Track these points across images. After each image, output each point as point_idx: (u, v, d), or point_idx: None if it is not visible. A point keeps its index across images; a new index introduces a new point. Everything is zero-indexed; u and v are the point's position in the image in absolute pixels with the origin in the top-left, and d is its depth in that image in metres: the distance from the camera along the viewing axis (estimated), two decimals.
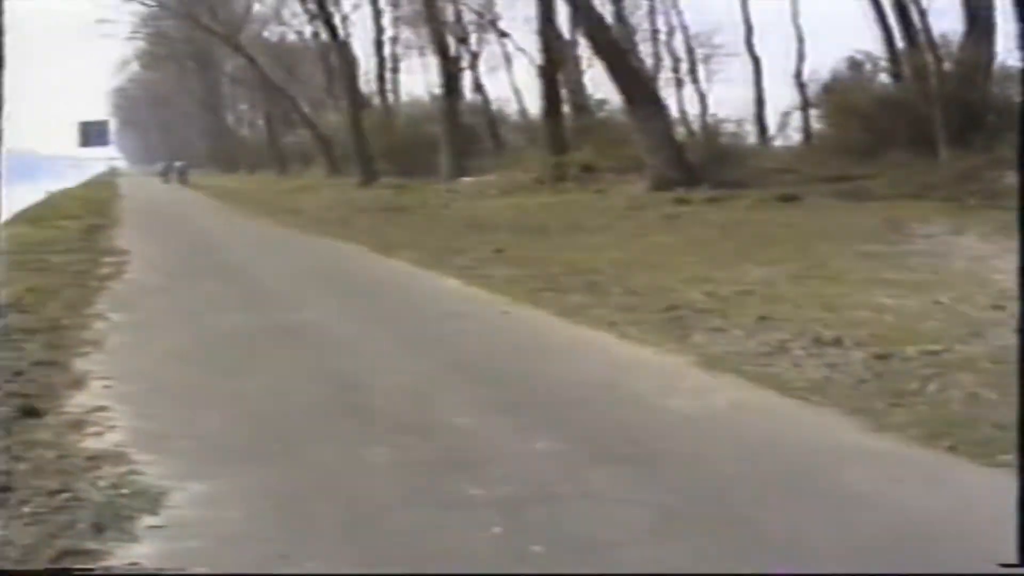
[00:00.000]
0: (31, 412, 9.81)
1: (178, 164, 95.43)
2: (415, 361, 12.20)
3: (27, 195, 77.59)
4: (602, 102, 48.93)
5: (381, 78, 64.02)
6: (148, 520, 6.99)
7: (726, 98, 65.12)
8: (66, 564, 6.32)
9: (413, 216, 34.32)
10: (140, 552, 6.46)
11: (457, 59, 53.59)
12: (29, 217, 45.34)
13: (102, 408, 9.95)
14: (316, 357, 12.52)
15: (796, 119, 48.18)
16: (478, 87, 57.62)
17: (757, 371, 11.02)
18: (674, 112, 46.85)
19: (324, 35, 65.75)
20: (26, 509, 7.18)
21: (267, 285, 19.58)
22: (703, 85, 53.33)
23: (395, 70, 65.52)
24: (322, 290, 18.61)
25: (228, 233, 33.98)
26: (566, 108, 47.27)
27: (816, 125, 46.32)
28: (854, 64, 43.58)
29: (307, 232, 31.05)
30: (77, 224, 36.29)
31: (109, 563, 6.32)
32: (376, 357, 12.55)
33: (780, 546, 6.36)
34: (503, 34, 55.96)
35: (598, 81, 48.26)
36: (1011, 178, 24.40)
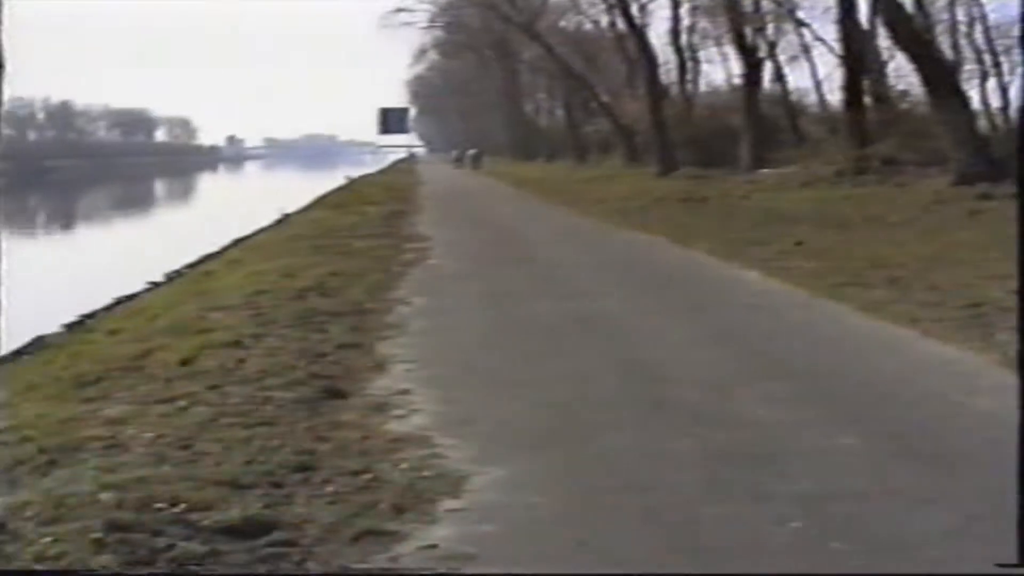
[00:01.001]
0: (336, 393, 10.11)
1: (471, 152, 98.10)
2: (714, 352, 12.12)
3: (327, 181, 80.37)
4: (904, 93, 47.55)
5: (681, 67, 63.71)
6: (448, 503, 7.14)
7: None
8: (367, 543, 6.40)
9: (712, 207, 34.05)
10: (438, 535, 6.61)
11: (754, 49, 52.88)
12: (331, 202, 46.85)
13: (405, 391, 10.17)
14: (615, 346, 12.54)
15: None
16: (778, 77, 56.81)
17: None
18: (976, 105, 45.08)
19: (621, 24, 65.73)
20: (328, 488, 7.40)
21: (566, 273, 19.68)
22: (1006, 78, 51.31)
23: (693, 60, 65.14)
24: (620, 279, 18.61)
25: (526, 221, 34.34)
26: (867, 99, 46.10)
27: None
28: None
29: (605, 221, 31.13)
30: (378, 210, 37.23)
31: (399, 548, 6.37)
32: (675, 347, 12.50)
33: None
34: (802, 23, 55.04)
35: (901, 71, 46.96)
36: None
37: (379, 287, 17.52)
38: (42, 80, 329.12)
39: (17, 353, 19.57)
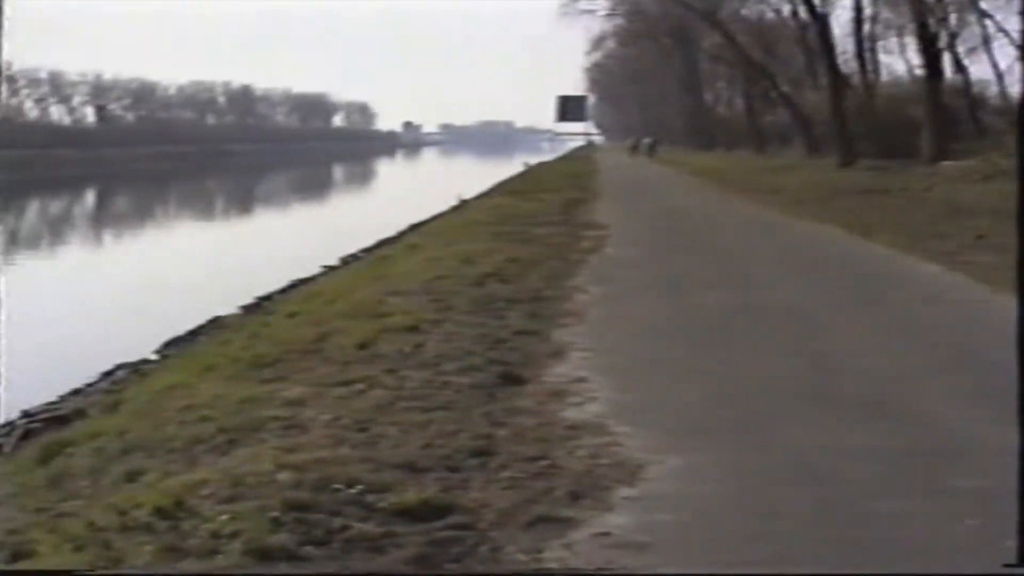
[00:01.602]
0: (513, 379, 10.18)
1: (646, 140, 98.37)
2: (890, 345, 11.94)
3: (504, 167, 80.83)
4: None
5: (860, 57, 62.68)
6: (623, 491, 7.13)
7: None
8: (542, 529, 6.41)
9: (892, 199, 33.44)
10: (613, 523, 6.63)
11: (935, 38, 51.82)
12: (509, 189, 47.06)
13: (582, 379, 10.19)
14: (789, 337, 12.42)
15: None
16: (958, 68, 55.61)
17: None
18: None
19: (803, 13, 64.93)
20: (505, 474, 7.45)
21: (742, 264, 19.55)
22: None
23: (873, 50, 64.07)
24: (797, 270, 18.43)
25: (703, 210, 34.15)
26: None
27: None
28: None
29: (783, 212, 30.80)
30: (556, 197, 37.28)
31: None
32: (852, 339, 12.37)
33: None
34: (985, 14, 53.77)
35: None
36: None
37: (557, 274, 17.56)
38: (223, 65, 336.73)
39: (194, 333, 20.06)
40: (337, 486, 6.94)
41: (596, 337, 12.46)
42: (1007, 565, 5.50)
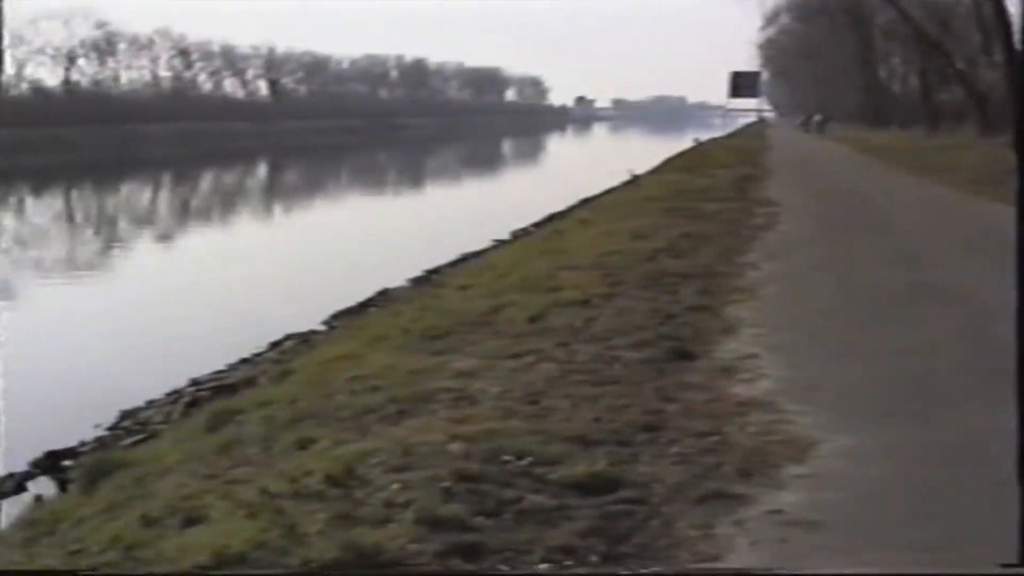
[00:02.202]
0: (684, 355, 10.16)
1: (817, 117, 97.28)
2: None
3: (675, 143, 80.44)
4: None
5: None
6: (794, 469, 7.09)
7: None
8: (712, 505, 6.37)
9: None
10: (784, 500, 6.60)
11: None
12: (681, 165, 46.83)
13: (752, 355, 10.14)
14: (963, 319, 12.14)
15: None
16: None
17: None
18: None
19: None
20: (674, 449, 7.45)
21: (914, 242, 19.21)
22: None
23: None
24: (971, 250, 18.00)
25: (874, 188, 33.54)
26: None
27: None
28: None
29: (957, 192, 30.12)
30: (728, 173, 37.01)
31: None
32: None
33: None
34: None
35: None
36: None
37: (729, 250, 17.47)
38: (396, 38, 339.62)
39: (363, 305, 20.32)
40: (507, 458, 7.01)
41: (768, 313, 12.39)
42: (1007, 565, 5.37)
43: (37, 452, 12.11)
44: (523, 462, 6.95)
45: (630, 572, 5.71)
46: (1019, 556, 5.38)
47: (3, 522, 9.55)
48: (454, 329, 11.66)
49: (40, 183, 67.12)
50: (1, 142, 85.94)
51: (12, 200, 58.39)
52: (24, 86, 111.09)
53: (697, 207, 24.55)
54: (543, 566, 5.70)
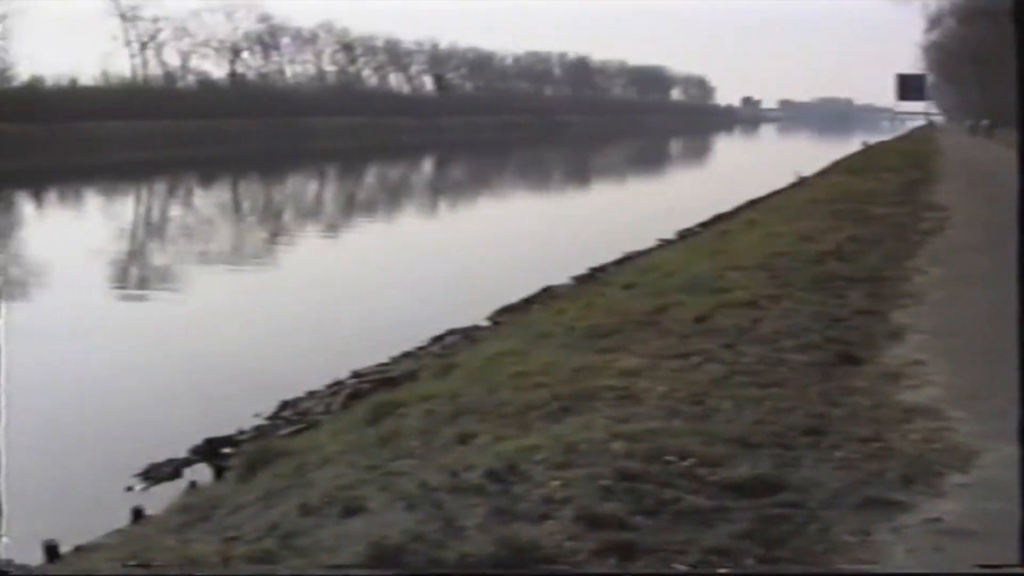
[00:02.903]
0: (849, 359, 10.13)
1: (984, 122, 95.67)
2: None
3: (842, 146, 79.39)
4: None
5: None
6: (956, 478, 7.05)
7: None
8: (871, 511, 6.37)
9: None
10: (944, 508, 6.58)
11: None
12: (848, 167, 46.27)
13: (919, 362, 10.06)
14: None
15: None
16: None
17: None
18: None
19: None
20: (837, 454, 7.44)
21: None
22: None
23: None
24: None
25: None
26: None
27: None
28: None
29: None
30: (896, 178, 36.56)
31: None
32: None
33: None
34: None
35: None
36: None
37: (896, 255, 17.29)
38: (559, 35, 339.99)
39: (527, 301, 20.46)
40: (669, 458, 7.05)
41: (934, 319, 12.27)
42: (1008, 565, 5.35)
43: (196, 439, 12.44)
44: (685, 463, 6.99)
45: (630, 572, 5.75)
46: (1019, 556, 5.34)
47: (158, 507, 9.84)
48: (619, 328, 11.72)
49: (206, 174, 68.60)
50: (167, 134, 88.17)
51: (179, 191, 59.78)
52: (190, 78, 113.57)
53: (864, 210, 24.28)
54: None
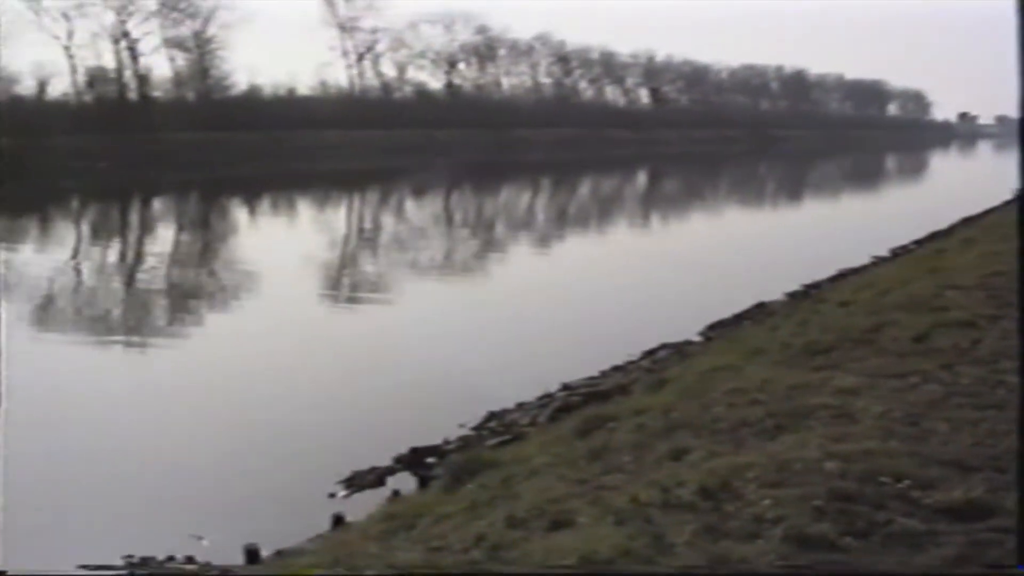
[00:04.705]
0: None
1: None
2: None
3: None
4: None
5: None
6: None
7: None
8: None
9: None
10: None
11: None
12: None
13: None
14: None
15: None
16: None
17: None
18: None
19: None
20: None
21: None
22: None
23: None
24: None
25: None
26: None
27: None
28: None
29: None
30: None
31: None
32: None
33: None
34: None
35: None
36: None
37: None
38: (776, 48, 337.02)
39: (739, 317, 20.33)
40: (883, 479, 6.93)
41: None
42: (1008, 566, 5.28)
43: (401, 448, 12.58)
44: (899, 484, 6.86)
45: (630, 572, 5.62)
46: (1019, 556, 5.13)
47: (360, 515, 9.97)
48: (835, 345, 11.57)
49: (421, 184, 69.48)
50: (384, 143, 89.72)
51: (393, 200, 60.67)
52: (407, 89, 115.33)
53: None
54: None
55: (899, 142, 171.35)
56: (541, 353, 18.41)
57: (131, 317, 23.81)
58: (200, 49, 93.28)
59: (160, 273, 31.23)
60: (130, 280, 29.85)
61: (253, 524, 10.33)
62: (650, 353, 17.55)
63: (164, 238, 41.28)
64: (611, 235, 44.06)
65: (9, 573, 7.49)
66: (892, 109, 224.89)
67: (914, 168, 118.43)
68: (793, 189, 79.24)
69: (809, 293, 22.56)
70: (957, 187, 75.45)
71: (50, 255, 33.62)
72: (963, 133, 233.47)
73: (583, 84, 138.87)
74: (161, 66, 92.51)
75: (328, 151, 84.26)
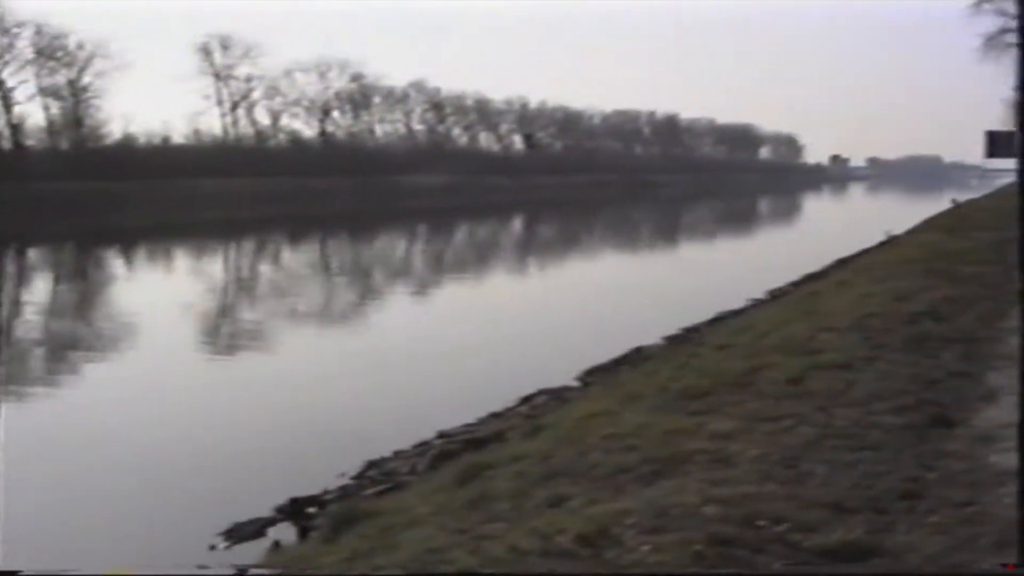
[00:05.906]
0: (943, 421, 9.95)
1: None
2: None
3: (931, 204, 78.87)
4: None
5: None
6: None
7: None
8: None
9: None
10: None
11: None
12: (939, 225, 45.95)
13: (1013, 424, 9.83)
14: None
15: None
16: None
17: None
18: None
19: None
20: (932, 519, 7.34)
21: None
22: None
23: None
24: None
25: None
26: None
27: None
28: None
29: None
30: (988, 236, 36.09)
31: None
32: None
33: None
34: None
35: None
36: None
37: (990, 315, 17.05)
38: (647, 93, 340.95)
39: (617, 362, 20.42)
40: (762, 523, 7.00)
41: None
42: (1006, 566, 5.37)
43: (281, 498, 12.48)
44: (779, 527, 6.94)
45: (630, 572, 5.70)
46: (1019, 556, 5.28)
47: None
48: (712, 389, 11.68)
49: (296, 232, 69.26)
50: (258, 192, 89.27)
51: (269, 249, 60.37)
52: (281, 137, 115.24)
53: (956, 270, 24.02)
54: None
55: (771, 185, 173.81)
56: (419, 401, 18.39)
57: (3, 369, 23.39)
58: (75, 98, 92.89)
59: (35, 324, 30.78)
60: (3, 331, 29.34)
61: None
62: (528, 399, 17.56)
63: (40, 289, 40.72)
64: (487, 282, 44.12)
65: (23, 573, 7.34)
66: (764, 153, 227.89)
67: (787, 211, 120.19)
68: (668, 233, 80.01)
69: (688, 337, 22.73)
70: (830, 229, 76.66)
71: None
72: (835, 175, 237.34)
73: (457, 131, 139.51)
74: (35, 115, 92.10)
75: (203, 200, 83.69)
